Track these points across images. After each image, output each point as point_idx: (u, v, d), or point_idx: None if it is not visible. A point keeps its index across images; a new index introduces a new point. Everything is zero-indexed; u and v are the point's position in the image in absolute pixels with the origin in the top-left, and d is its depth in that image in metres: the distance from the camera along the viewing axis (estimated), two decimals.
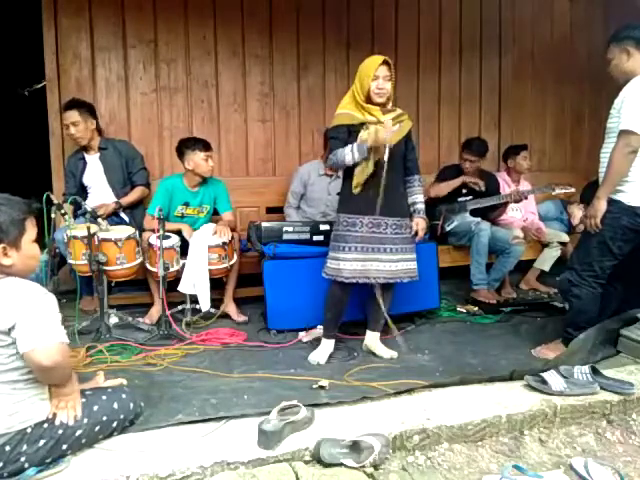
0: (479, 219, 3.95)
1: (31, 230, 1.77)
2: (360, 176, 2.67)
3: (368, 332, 2.95)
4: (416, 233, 2.83)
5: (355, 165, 2.66)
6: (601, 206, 2.58)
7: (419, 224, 2.83)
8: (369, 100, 2.67)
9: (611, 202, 2.59)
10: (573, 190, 4.06)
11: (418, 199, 2.86)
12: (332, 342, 2.89)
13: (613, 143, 2.56)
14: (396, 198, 2.74)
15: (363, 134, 2.62)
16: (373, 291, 2.86)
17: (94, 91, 3.88)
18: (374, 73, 2.63)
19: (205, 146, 3.38)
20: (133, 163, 3.66)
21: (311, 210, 3.91)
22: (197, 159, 3.35)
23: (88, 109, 3.52)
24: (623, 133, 2.49)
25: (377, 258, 2.72)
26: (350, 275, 2.71)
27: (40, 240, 1.86)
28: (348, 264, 2.71)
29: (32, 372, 1.70)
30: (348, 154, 2.63)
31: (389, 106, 2.74)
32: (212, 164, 3.44)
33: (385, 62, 2.65)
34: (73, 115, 3.44)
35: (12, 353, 1.66)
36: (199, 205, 3.50)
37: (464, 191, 4.06)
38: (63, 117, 3.46)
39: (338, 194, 2.98)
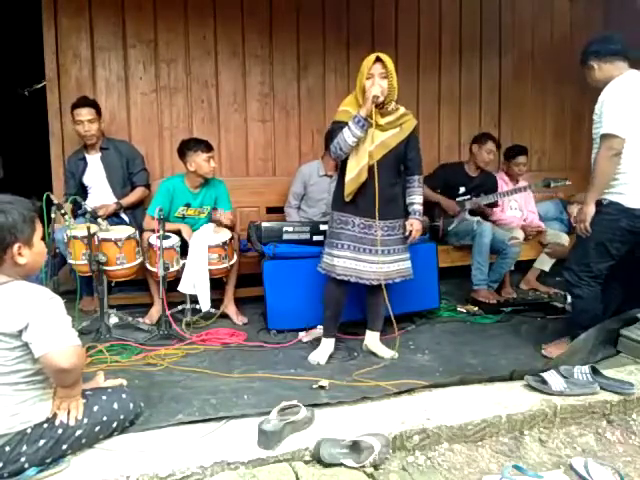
0: (479, 218, 3.96)
1: (39, 228, 1.80)
2: (352, 185, 2.66)
3: (368, 332, 2.95)
4: (410, 234, 2.81)
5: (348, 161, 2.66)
6: (590, 210, 2.62)
7: (413, 225, 2.81)
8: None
9: (609, 204, 2.59)
10: (569, 182, 4.07)
11: (416, 200, 2.84)
12: (332, 341, 2.89)
13: None
14: (389, 200, 2.72)
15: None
16: (370, 291, 2.87)
17: (94, 91, 3.88)
18: (368, 72, 2.62)
19: (207, 147, 3.37)
20: (134, 164, 3.67)
21: (312, 210, 3.90)
22: (199, 160, 3.34)
23: (99, 108, 3.55)
24: (605, 137, 2.51)
25: (370, 259, 2.73)
26: (342, 272, 2.72)
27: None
28: (341, 261, 2.72)
29: (35, 374, 1.71)
30: (346, 131, 2.61)
31: (392, 106, 2.70)
32: (214, 165, 3.43)
33: (378, 59, 2.62)
34: (90, 112, 3.46)
35: (17, 356, 1.66)
36: (200, 206, 3.50)
37: (461, 191, 4.06)
38: (76, 113, 3.44)
39: None
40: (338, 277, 2.73)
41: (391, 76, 2.64)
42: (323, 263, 2.81)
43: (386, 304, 2.77)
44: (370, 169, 2.64)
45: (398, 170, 2.80)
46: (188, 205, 3.45)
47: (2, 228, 1.67)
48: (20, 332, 1.63)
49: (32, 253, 1.75)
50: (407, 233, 2.81)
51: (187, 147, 3.38)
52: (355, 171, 2.65)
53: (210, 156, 3.38)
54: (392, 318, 2.81)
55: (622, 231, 2.59)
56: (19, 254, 1.71)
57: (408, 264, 2.86)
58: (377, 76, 2.61)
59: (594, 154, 2.67)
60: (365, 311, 2.99)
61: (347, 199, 2.69)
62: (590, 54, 2.69)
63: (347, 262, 2.72)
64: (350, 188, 2.67)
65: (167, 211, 3.38)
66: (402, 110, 2.76)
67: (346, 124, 2.64)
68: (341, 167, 2.79)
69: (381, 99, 2.61)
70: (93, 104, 3.51)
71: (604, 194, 2.62)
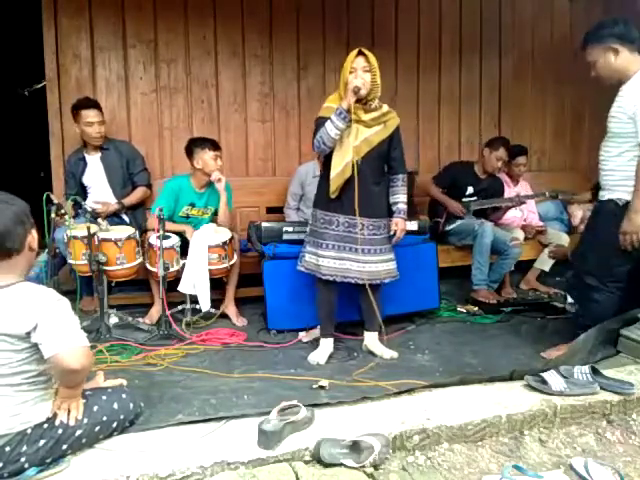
0: (482, 219, 3.96)
1: None
2: (337, 181, 2.64)
3: (365, 333, 2.95)
4: (394, 234, 2.80)
5: (332, 159, 2.64)
6: None
7: (398, 224, 2.80)
8: None
9: (625, 205, 2.53)
10: (576, 196, 4.09)
11: (400, 199, 2.83)
12: (330, 341, 2.89)
13: (619, 148, 2.52)
14: (373, 199, 2.72)
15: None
16: (362, 291, 2.84)
17: (94, 91, 3.88)
18: (351, 66, 2.61)
19: (214, 145, 3.42)
20: (134, 164, 3.67)
21: (310, 211, 3.89)
22: (206, 157, 3.38)
23: (102, 110, 3.56)
24: None
25: (356, 259, 2.72)
26: (327, 272, 2.72)
27: (40, 240, 1.87)
28: (326, 261, 2.72)
29: (37, 375, 1.71)
30: (328, 124, 2.60)
31: (375, 103, 2.69)
32: (220, 163, 3.45)
33: (361, 53, 2.62)
34: (99, 114, 3.48)
35: (22, 358, 1.67)
36: (204, 206, 3.51)
37: (469, 192, 4.05)
38: (85, 114, 3.43)
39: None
40: (324, 277, 2.73)
41: (374, 71, 2.62)
42: (306, 263, 2.80)
43: (378, 305, 2.76)
44: (356, 165, 2.63)
45: (382, 169, 2.80)
46: (193, 205, 3.47)
47: (21, 212, 1.71)
48: (28, 333, 1.63)
49: (34, 243, 1.79)
50: (392, 232, 2.80)
51: (195, 144, 3.43)
52: (340, 167, 2.63)
53: (217, 154, 3.41)
54: (379, 319, 2.80)
55: None
56: (33, 239, 1.76)
57: (394, 265, 2.84)
58: (360, 70, 2.60)
59: (609, 152, 2.59)
60: (361, 312, 2.98)
61: (332, 196, 2.68)
62: (612, 36, 2.48)
63: (331, 262, 2.72)
64: (335, 184, 2.65)
65: (172, 210, 3.40)
66: (386, 108, 2.75)
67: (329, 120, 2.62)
68: (324, 165, 2.78)
69: (363, 92, 2.59)
70: (99, 106, 3.53)
71: (619, 194, 2.55)
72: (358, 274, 2.73)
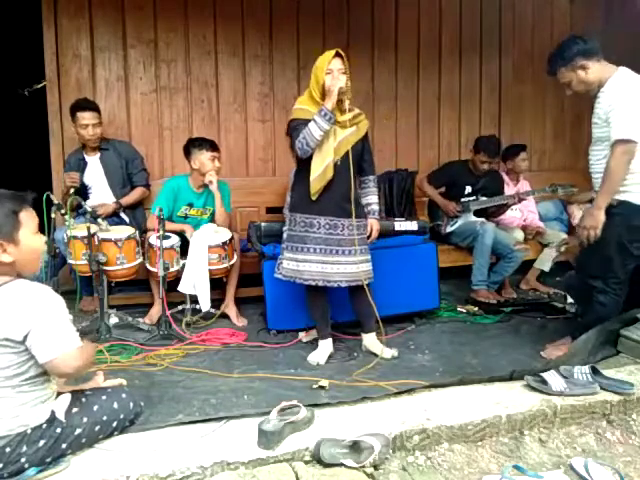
0: (483, 219, 3.95)
1: (29, 222, 1.72)
2: (319, 183, 2.62)
3: (363, 335, 2.94)
4: (370, 235, 2.80)
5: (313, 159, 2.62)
6: (602, 216, 2.51)
7: (373, 225, 2.81)
8: (325, 96, 2.60)
9: (619, 204, 2.53)
10: (576, 190, 4.07)
11: (372, 200, 2.84)
12: (329, 342, 2.88)
13: (604, 151, 2.55)
14: (354, 198, 2.70)
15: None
16: (352, 293, 2.83)
17: (94, 91, 3.88)
18: (327, 67, 2.60)
19: (212, 146, 3.40)
20: (133, 164, 3.67)
21: None
22: (203, 158, 3.36)
23: (100, 111, 3.56)
24: (619, 142, 2.44)
25: (337, 261, 2.69)
26: (309, 277, 2.70)
27: None
28: (307, 265, 2.69)
29: (37, 376, 1.71)
30: (312, 125, 2.56)
31: (347, 104, 2.66)
32: (219, 165, 3.43)
33: (338, 54, 2.61)
34: (95, 116, 3.47)
35: (24, 359, 1.67)
36: (203, 207, 3.51)
37: (468, 191, 4.04)
38: (80, 116, 3.42)
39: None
40: (306, 282, 2.71)
41: (348, 73, 2.63)
42: (284, 269, 2.76)
43: (371, 304, 2.73)
44: (335, 166, 2.62)
45: (355, 171, 2.78)
46: (191, 205, 3.47)
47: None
48: (25, 337, 1.63)
49: (20, 250, 1.69)
50: (367, 234, 2.80)
51: (193, 145, 3.41)
52: (321, 168, 2.61)
53: (215, 156, 3.39)
54: (378, 319, 2.80)
55: (637, 229, 2.52)
56: (3, 251, 1.65)
57: (370, 266, 2.80)
58: (336, 71, 2.59)
59: (595, 155, 2.63)
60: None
61: (314, 197, 2.65)
62: (577, 55, 2.58)
63: (313, 266, 2.69)
64: (317, 186, 2.63)
65: (170, 210, 3.40)
66: (357, 110, 2.74)
67: (307, 121, 2.59)
68: (298, 169, 2.77)
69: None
70: (96, 107, 3.52)
71: (615, 195, 2.55)
72: (340, 277, 2.70)
